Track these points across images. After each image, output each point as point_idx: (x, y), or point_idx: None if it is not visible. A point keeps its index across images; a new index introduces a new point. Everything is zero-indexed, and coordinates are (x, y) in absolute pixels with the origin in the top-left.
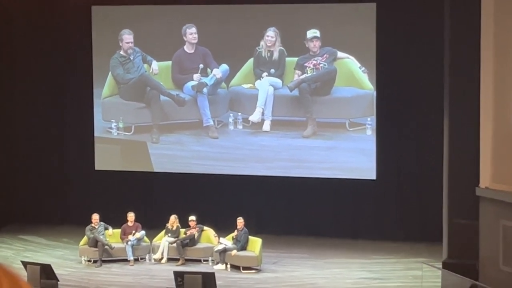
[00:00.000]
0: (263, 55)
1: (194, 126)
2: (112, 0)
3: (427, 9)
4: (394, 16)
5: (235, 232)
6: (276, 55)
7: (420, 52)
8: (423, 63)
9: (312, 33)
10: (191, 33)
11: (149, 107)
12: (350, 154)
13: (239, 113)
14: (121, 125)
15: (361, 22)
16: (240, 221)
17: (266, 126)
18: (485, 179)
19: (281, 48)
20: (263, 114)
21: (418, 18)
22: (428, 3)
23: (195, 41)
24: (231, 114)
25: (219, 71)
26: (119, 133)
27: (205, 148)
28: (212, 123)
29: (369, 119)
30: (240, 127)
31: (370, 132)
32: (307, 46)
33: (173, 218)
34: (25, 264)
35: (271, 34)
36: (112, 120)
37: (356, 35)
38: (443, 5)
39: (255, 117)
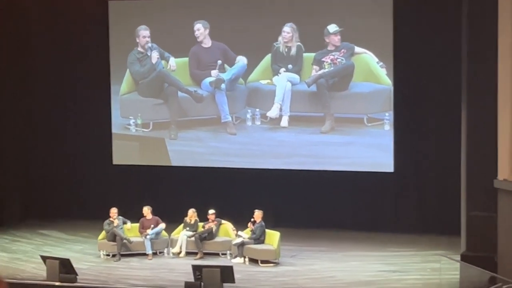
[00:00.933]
0: (280, 50)
1: (212, 122)
2: None
3: (445, 2)
4: (411, 9)
5: (250, 225)
6: (293, 50)
7: (437, 46)
8: (440, 57)
9: (333, 27)
10: (197, 29)
11: (167, 104)
12: (368, 149)
13: (257, 109)
14: (139, 122)
15: (378, 16)
16: (257, 214)
17: (284, 121)
18: (503, 171)
19: (299, 43)
20: (281, 109)
21: (435, 12)
22: None
23: (201, 38)
24: (249, 110)
25: (244, 58)
26: (137, 130)
27: (223, 144)
28: (230, 119)
29: (387, 114)
30: (258, 123)
31: (388, 127)
32: (327, 41)
33: (191, 212)
34: (44, 258)
35: (287, 30)
36: (130, 117)
37: (373, 30)
38: None
39: (273, 113)
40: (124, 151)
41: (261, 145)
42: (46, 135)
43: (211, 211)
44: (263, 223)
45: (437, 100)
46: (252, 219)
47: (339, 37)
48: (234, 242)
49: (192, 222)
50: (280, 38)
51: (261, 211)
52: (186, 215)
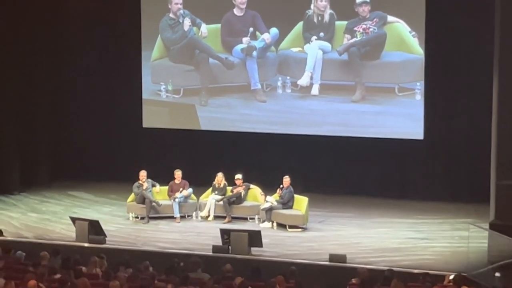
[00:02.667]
0: (313, 18)
1: (243, 90)
2: None
3: None
4: None
5: (278, 191)
6: (326, 18)
7: (470, 16)
8: (473, 26)
9: None
10: None
11: (198, 70)
12: (399, 119)
13: (288, 77)
14: (170, 88)
15: None
16: (286, 180)
17: (315, 90)
18: None
19: (331, 11)
20: (311, 78)
21: None
22: None
23: (244, 6)
24: (280, 78)
25: (268, 36)
26: (168, 96)
27: (253, 112)
28: (259, 86)
29: (418, 84)
30: (289, 90)
31: (419, 97)
32: (356, 10)
33: (220, 176)
34: (73, 219)
35: None
36: (161, 83)
37: None
38: None
39: (303, 81)
40: (155, 117)
41: (291, 113)
42: (77, 98)
43: (238, 176)
44: (291, 189)
45: (468, 70)
46: (281, 185)
47: (368, 7)
48: (262, 207)
49: (221, 186)
50: (312, 6)
51: (289, 177)
52: (215, 179)
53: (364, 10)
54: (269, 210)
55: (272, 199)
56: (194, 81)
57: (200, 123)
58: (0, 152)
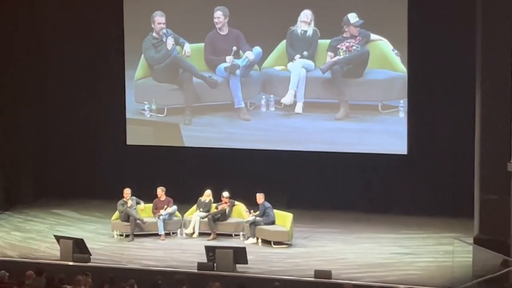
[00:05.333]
0: (297, 34)
1: (227, 108)
2: None
3: None
4: None
5: (248, 214)
6: (310, 34)
7: (451, 34)
8: (454, 44)
9: (354, 17)
10: (216, 17)
11: (181, 89)
12: (383, 136)
13: (272, 95)
14: (154, 107)
15: (393, 3)
16: (258, 196)
17: (299, 108)
18: None
19: (315, 28)
20: (295, 96)
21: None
22: None
23: (219, 25)
24: (264, 96)
25: (252, 54)
26: (152, 115)
27: (237, 130)
28: (243, 105)
29: (401, 101)
30: (273, 109)
31: (402, 115)
32: (346, 30)
33: (208, 192)
34: (58, 238)
35: (308, 12)
36: (145, 102)
37: (388, 17)
38: None
39: (287, 99)
40: (139, 135)
41: (275, 131)
42: (61, 116)
43: (226, 194)
44: (265, 203)
45: (451, 87)
46: (251, 211)
47: (358, 28)
48: (246, 220)
49: (207, 201)
50: (298, 21)
51: (262, 193)
52: (199, 197)
53: (352, 30)
54: (253, 223)
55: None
56: (178, 100)
57: (184, 142)
58: None
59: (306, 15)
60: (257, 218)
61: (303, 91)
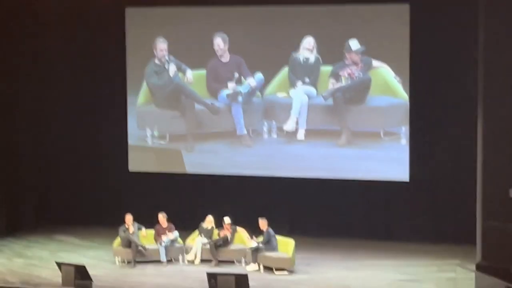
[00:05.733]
0: (299, 61)
1: (229, 135)
2: (146, 1)
3: (461, 17)
4: (428, 23)
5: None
6: (312, 60)
7: (453, 61)
8: (456, 72)
9: (356, 45)
10: (216, 44)
11: (184, 116)
12: (385, 163)
13: (274, 122)
14: (156, 134)
15: (395, 30)
16: (260, 223)
17: (301, 135)
18: None
19: (317, 55)
20: (297, 123)
21: (451, 26)
22: (461, 11)
23: (220, 52)
24: (266, 123)
25: (253, 80)
26: (154, 142)
27: (240, 157)
28: (245, 132)
29: (403, 128)
30: (275, 136)
31: (404, 142)
32: (348, 56)
33: (210, 218)
34: (59, 264)
35: (310, 39)
36: (147, 128)
37: (390, 44)
38: (477, 10)
39: (289, 126)
40: (141, 162)
41: (277, 158)
42: (62, 142)
43: (227, 220)
44: (269, 230)
45: (452, 113)
46: (252, 236)
47: (360, 55)
48: (249, 247)
49: (209, 228)
50: (300, 48)
51: (264, 219)
52: (201, 223)
53: (353, 57)
54: (255, 250)
55: (258, 241)
56: (180, 127)
57: (186, 168)
58: None
59: (308, 42)
60: (260, 245)
61: (305, 118)
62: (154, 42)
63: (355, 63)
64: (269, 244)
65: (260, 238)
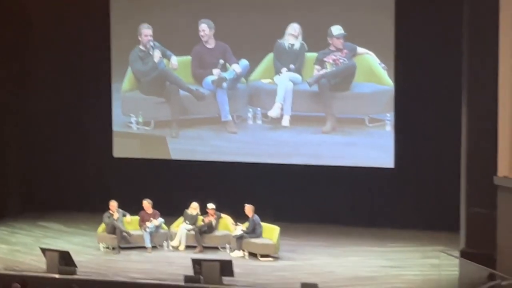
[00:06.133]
0: (284, 47)
1: (214, 121)
2: None
3: (446, 3)
4: (413, 10)
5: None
6: (297, 46)
7: (438, 47)
8: (441, 57)
9: (337, 30)
10: (201, 30)
11: (168, 102)
12: (370, 150)
13: (258, 108)
14: (140, 120)
15: (380, 16)
16: (246, 208)
17: (285, 121)
18: (503, 168)
19: (302, 42)
20: (282, 109)
21: (436, 13)
22: None
23: (205, 38)
24: (250, 109)
25: (238, 67)
26: (139, 128)
27: (224, 143)
28: (230, 118)
29: (388, 115)
30: (259, 122)
31: (389, 128)
32: (330, 42)
33: (195, 205)
34: (43, 250)
35: (296, 25)
36: (131, 115)
37: (375, 30)
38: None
39: (274, 112)
40: (125, 148)
41: (262, 144)
42: (47, 128)
43: (211, 206)
44: (254, 217)
45: (437, 100)
46: (237, 223)
47: (342, 40)
48: (233, 234)
49: (193, 214)
50: (285, 34)
51: (251, 205)
52: (186, 209)
53: (340, 42)
54: (240, 238)
55: (243, 228)
56: (165, 113)
57: (171, 154)
58: None
59: (294, 28)
60: (245, 233)
61: (290, 104)
62: (138, 28)
63: (338, 49)
64: (253, 232)
65: (245, 225)
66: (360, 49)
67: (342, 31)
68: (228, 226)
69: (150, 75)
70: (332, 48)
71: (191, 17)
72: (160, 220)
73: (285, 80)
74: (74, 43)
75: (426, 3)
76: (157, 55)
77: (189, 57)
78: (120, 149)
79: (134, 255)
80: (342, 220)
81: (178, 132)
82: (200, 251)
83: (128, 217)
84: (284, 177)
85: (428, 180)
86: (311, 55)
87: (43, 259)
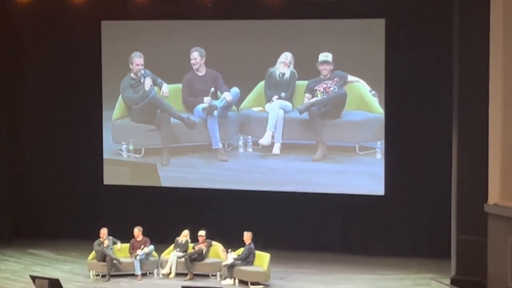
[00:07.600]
0: (275, 76)
1: (204, 149)
2: (122, 15)
3: (436, 32)
4: (403, 38)
5: (226, 254)
6: (287, 76)
7: (428, 76)
8: (431, 86)
9: (323, 56)
10: (193, 58)
11: (159, 130)
12: (360, 178)
13: (249, 136)
14: (131, 147)
15: (371, 45)
16: (245, 236)
17: (276, 149)
18: (494, 196)
19: (293, 70)
20: (273, 137)
21: (427, 42)
22: (437, 26)
23: (196, 66)
24: (241, 137)
25: (229, 95)
26: (129, 155)
27: (215, 171)
28: (221, 146)
29: (379, 143)
30: (250, 150)
31: (380, 156)
32: (318, 69)
33: (186, 232)
34: (33, 278)
35: (288, 55)
36: (122, 142)
37: (366, 58)
38: (452, 25)
39: (265, 140)
40: (116, 175)
41: (253, 172)
42: (38, 155)
43: (202, 232)
44: (251, 245)
45: (427, 128)
46: (229, 250)
47: (330, 67)
48: (224, 263)
49: (184, 241)
50: (277, 62)
51: (250, 232)
52: (177, 237)
53: (325, 69)
54: (231, 266)
55: (234, 255)
56: (156, 140)
57: (161, 182)
58: None
59: (286, 56)
60: (236, 261)
61: (280, 132)
62: (130, 57)
63: (330, 78)
64: (245, 259)
65: (238, 251)
66: (350, 77)
67: (327, 58)
68: (219, 253)
69: (141, 103)
70: (322, 76)
71: (182, 45)
72: (151, 247)
73: (275, 108)
74: (65, 70)
75: (416, 32)
76: (148, 83)
77: (180, 85)
78: (111, 177)
79: (124, 282)
80: (332, 248)
81: (168, 160)
82: (191, 279)
83: (119, 245)
84: (274, 205)
85: (418, 208)
86: (302, 83)
87: (33, 286)
